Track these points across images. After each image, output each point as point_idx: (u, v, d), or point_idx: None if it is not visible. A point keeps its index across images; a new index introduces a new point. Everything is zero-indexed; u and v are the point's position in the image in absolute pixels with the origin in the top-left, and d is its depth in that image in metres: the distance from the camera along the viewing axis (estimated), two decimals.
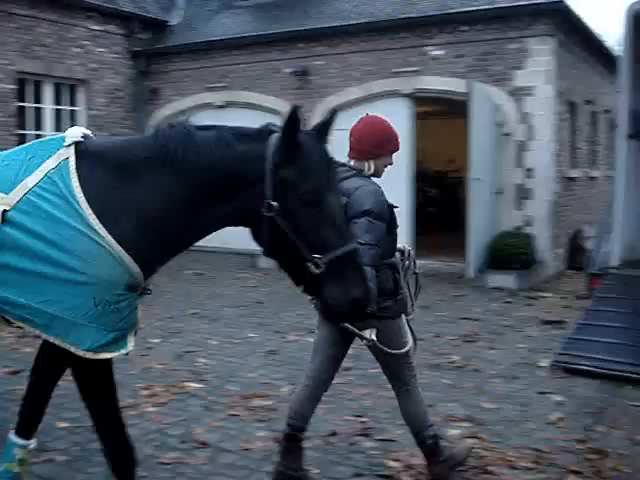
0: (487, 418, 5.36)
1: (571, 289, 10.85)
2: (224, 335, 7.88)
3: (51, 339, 3.05)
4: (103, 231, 2.96)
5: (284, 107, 14.80)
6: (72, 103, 15.61)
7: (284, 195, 2.89)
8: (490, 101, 12.02)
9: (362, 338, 3.63)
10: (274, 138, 2.96)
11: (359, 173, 3.96)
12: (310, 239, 2.89)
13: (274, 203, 2.87)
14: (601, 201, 13.03)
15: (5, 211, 3.05)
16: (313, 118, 14.39)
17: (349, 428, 5.12)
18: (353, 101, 13.94)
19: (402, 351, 3.96)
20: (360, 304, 2.93)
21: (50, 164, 3.10)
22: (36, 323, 3.04)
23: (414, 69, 13.27)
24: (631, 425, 5.29)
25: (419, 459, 4.49)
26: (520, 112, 12.30)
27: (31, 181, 3.08)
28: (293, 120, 2.89)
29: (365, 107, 13.87)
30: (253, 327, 8.33)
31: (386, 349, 3.79)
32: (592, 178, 15.55)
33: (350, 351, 6.90)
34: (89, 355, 3.02)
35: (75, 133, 3.18)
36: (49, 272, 2.98)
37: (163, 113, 16.43)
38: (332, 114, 3.07)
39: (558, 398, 5.82)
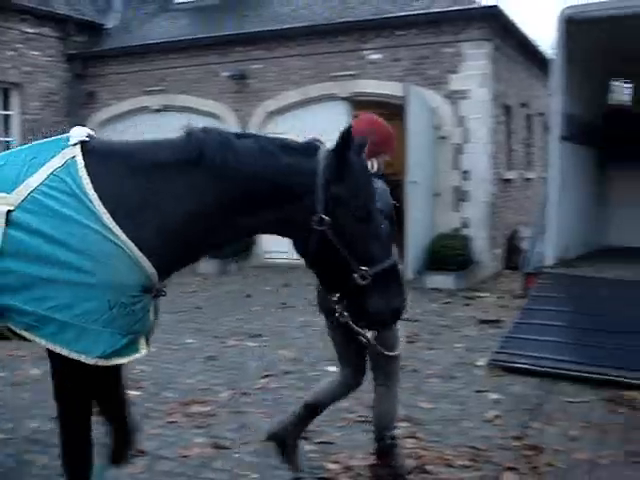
0: (425, 418, 5.40)
1: (508, 289, 11.04)
2: (162, 342, 7.73)
3: (57, 349, 2.85)
4: (118, 230, 2.83)
5: (222, 111, 14.76)
6: (5, 107, 15.33)
7: (335, 210, 2.94)
8: (426, 104, 12.16)
9: (364, 338, 3.63)
10: (322, 154, 2.98)
11: None
12: (359, 252, 2.96)
13: (326, 217, 2.91)
14: (537, 202, 13.28)
15: (9, 211, 2.88)
16: (251, 122, 14.39)
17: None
18: (291, 105, 14.02)
19: (396, 353, 4.05)
20: (399, 313, 3.10)
21: (56, 162, 2.96)
22: (42, 332, 2.86)
23: (352, 73, 13.38)
24: (566, 421, 5.38)
25: (358, 460, 4.53)
26: (456, 115, 12.49)
27: (35, 180, 2.93)
28: (346, 139, 2.92)
29: (303, 111, 13.95)
30: (192, 333, 8.25)
31: (383, 350, 3.81)
32: (527, 179, 15.86)
33: (291, 354, 6.95)
34: (101, 362, 2.86)
35: (80, 132, 3.07)
36: (57, 275, 2.81)
37: (99, 117, 16.22)
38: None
39: (495, 396, 5.90)
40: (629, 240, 10.24)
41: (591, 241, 9.92)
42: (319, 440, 4.94)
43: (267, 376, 6.48)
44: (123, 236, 2.83)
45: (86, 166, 2.93)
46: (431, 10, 12.80)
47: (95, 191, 2.86)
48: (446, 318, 8.97)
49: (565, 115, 8.59)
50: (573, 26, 8.31)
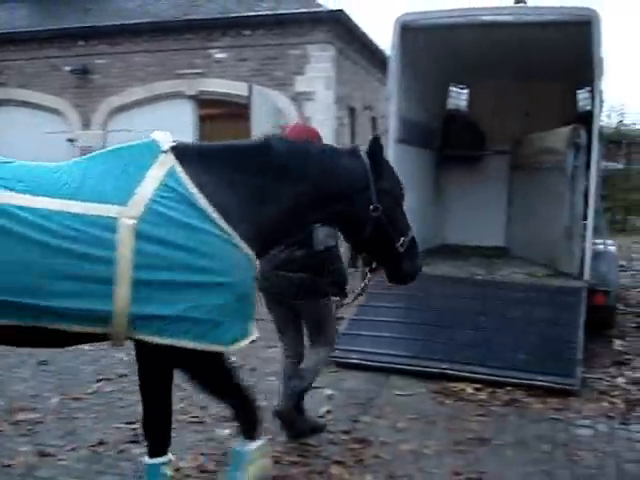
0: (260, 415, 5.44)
1: (352, 287, 11.22)
2: None
3: (190, 345, 3.12)
4: (233, 232, 3.20)
5: (64, 107, 14.26)
6: None
7: (382, 200, 3.69)
8: (272, 105, 12.25)
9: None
10: (364, 156, 3.72)
11: None
12: (398, 228, 3.81)
13: (379, 206, 3.65)
14: None
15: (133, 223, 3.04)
16: (94, 118, 14.00)
17: (119, 436, 5.02)
18: (137, 102, 13.74)
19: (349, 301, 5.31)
20: (420, 270, 4.05)
21: (159, 172, 3.17)
22: (172, 333, 3.09)
23: (198, 71, 13.29)
24: (395, 414, 5.58)
25: (187, 462, 4.52)
26: (302, 116, 12.63)
27: (146, 191, 3.10)
28: (379, 144, 3.75)
29: (149, 108, 13.72)
30: None
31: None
32: None
33: (125, 357, 6.82)
34: (232, 348, 3.24)
35: (166, 138, 3.31)
36: (191, 279, 3.09)
37: None
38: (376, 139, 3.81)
39: (329, 392, 6.02)
40: (463, 238, 10.72)
41: (429, 239, 10.30)
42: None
43: (101, 380, 6.34)
44: (237, 237, 3.21)
45: (187, 174, 3.20)
46: (278, 12, 12.91)
47: (205, 198, 3.17)
48: None
49: (402, 118, 8.85)
50: (409, 33, 8.56)
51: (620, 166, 22.11)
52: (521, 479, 4.47)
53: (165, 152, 3.24)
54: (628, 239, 19.63)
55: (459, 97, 12.05)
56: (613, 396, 6.09)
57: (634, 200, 21.74)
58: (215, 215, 3.16)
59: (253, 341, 3.32)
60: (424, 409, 5.71)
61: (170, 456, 3.73)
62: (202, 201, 3.16)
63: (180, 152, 3.27)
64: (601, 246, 8.31)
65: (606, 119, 22.98)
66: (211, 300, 3.12)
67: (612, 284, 7.91)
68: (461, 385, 6.22)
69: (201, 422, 5.29)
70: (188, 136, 13.27)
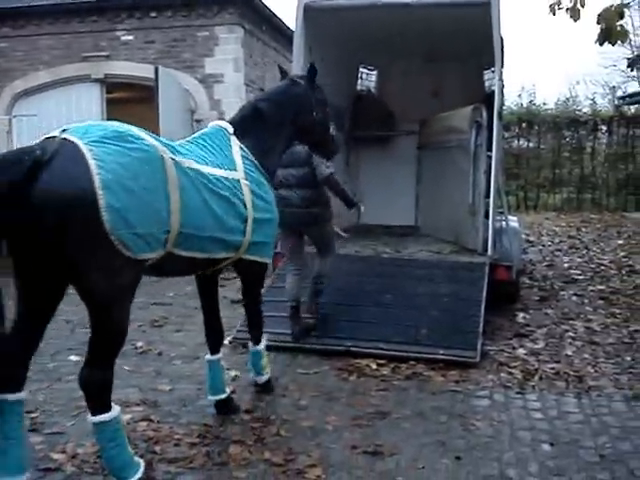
0: (162, 399, 5.44)
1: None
2: None
3: (261, 259, 4.98)
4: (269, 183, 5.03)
5: None
6: None
7: (318, 105, 5.47)
8: (180, 87, 12.12)
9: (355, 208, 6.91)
10: (302, 81, 5.45)
11: None
12: (328, 120, 5.64)
13: (318, 110, 5.45)
14: None
15: (246, 183, 4.67)
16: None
17: None
18: (42, 85, 13.37)
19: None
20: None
21: (235, 148, 4.77)
22: (261, 253, 4.92)
23: (105, 54, 13.03)
24: (298, 392, 5.65)
25: (85, 448, 4.47)
26: (212, 99, 12.54)
27: (239, 161, 4.71)
28: (315, 70, 5.46)
29: (55, 92, 13.40)
30: None
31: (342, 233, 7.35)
32: None
33: None
34: (268, 260, 5.15)
35: (226, 124, 4.95)
36: (268, 217, 4.87)
37: None
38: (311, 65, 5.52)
39: (233, 373, 6.04)
40: (375, 218, 10.80)
41: (341, 220, 10.35)
42: (49, 431, 4.84)
43: None
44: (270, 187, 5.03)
45: (245, 146, 4.87)
46: None
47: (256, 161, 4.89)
48: (198, 300, 8.95)
49: None
50: (313, 14, 8.58)
51: (532, 145, 22.69)
52: (416, 450, 4.58)
53: (231, 134, 4.84)
54: (540, 215, 20.24)
55: (368, 78, 12.14)
56: (512, 367, 6.28)
57: (545, 178, 22.38)
58: (263, 172, 4.89)
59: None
60: (327, 386, 5.79)
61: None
62: (256, 163, 4.85)
63: (235, 131, 4.89)
64: (504, 222, 8.52)
65: (517, 99, 23.58)
66: (270, 229, 4.93)
67: (514, 259, 8.12)
68: (365, 361, 6.33)
69: None
70: (95, 119, 13.01)
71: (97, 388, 3.73)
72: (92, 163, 3.39)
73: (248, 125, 4.97)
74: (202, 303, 5.38)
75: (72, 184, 3.33)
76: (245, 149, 4.78)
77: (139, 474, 3.86)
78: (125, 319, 3.75)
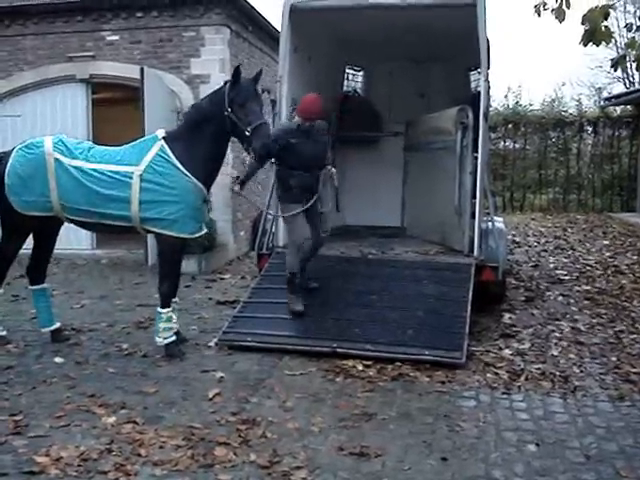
0: (147, 401, 5.40)
1: (251, 270, 11.24)
2: None
3: (167, 232, 6.36)
4: (188, 173, 6.31)
5: None
6: None
7: (232, 105, 6.33)
8: (165, 88, 12.06)
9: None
10: (226, 85, 6.47)
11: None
12: (245, 121, 6.30)
13: (230, 108, 6.32)
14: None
15: (140, 174, 6.29)
16: None
17: (1, 428, 4.86)
18: (27, 86, 13.25)
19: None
20: (260, 148, 6.40)
21: (155, 150, 6.37)
22: (160, 226, 6.37)
23: (90, 54, 12.92)
24: (284, 393, 5.61)
25: (69, 451, 4.43)
26: (197, 99, 12.43)
27: (147, 158, 6.33)
28: (239, 72, 6.41)
29: (40, 92, 13.30)
30: None
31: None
32: (272, 163, 16.10)
33: (14, 349, 6.67)
34: (190, 236, 6.57)
35: (161, 132, 6.55)
36: (167, 199, 6.28)
37: None
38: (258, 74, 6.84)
39: (219, 375, 6.01)
40: (362, 220, 10.79)
41: (329, 221, 10.34)
42: (33, 434, 4.77)
43: None
44: (191, 177, 6.34)
45: (168, 148, 6.38)
46: None
47: (176, 158, 6.35)
48: (184, 301, 8.88)
49: (295, 101, 8.82)
50: (299, 15, 8.57)
51: (518, 146, 22.76)
52: (402, 451, 4.57)
53: (160, 139, 6.44)
54: (526, 216, 20.30)
55: (355, 79, 12.13)
56: (498, 368, 6.29)
57: (531, 179, 22.46)
58: (179, 165, 6.31)
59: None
60: (313, 387, 5.77)
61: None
62: (173, 160, 6.31)
63: (166, 136, 6.49)
64: (490, 223, 8.51)
65: (503, 100, 23.63)
66: (176, 210, 6.28)
67: (500, 260, 8.12)
68: (351, 362, 6.31)
69: (88, 410, 5.20)
70: (81, 120, 12.96)
71: None
72: (9, 161, 6.54)
73: (178, 130, 6.78)
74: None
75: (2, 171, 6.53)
76: (165, 149, 6.36)
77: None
78: (12, 249, 6.79)
